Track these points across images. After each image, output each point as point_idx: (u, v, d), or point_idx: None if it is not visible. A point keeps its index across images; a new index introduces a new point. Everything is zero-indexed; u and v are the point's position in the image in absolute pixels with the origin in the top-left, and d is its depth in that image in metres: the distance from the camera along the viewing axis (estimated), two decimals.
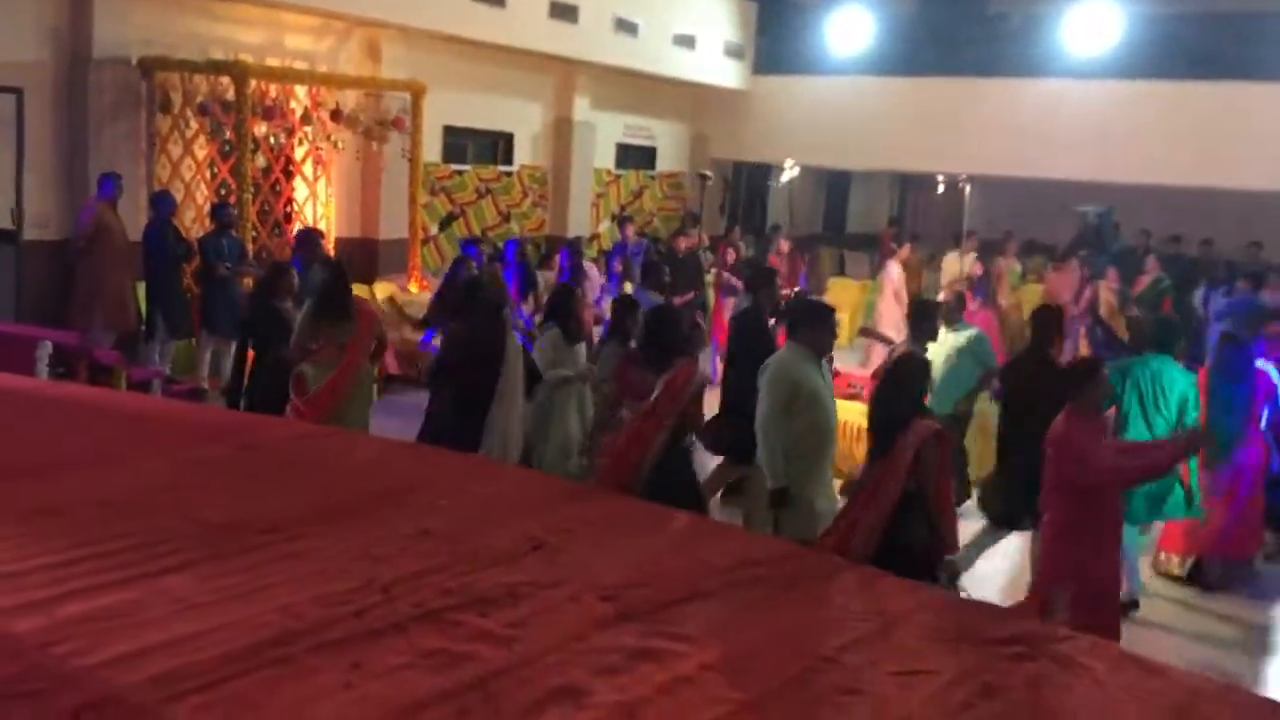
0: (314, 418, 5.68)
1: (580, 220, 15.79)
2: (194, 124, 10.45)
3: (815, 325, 5.04)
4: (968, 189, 14.84)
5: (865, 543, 4.20)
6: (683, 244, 12.74)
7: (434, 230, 13.30)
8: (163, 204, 9.58)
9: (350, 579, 3.19)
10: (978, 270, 11.51)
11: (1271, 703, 3.11)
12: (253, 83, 10.01)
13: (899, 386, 4.71)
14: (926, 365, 4.87)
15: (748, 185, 20.26)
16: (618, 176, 17.15)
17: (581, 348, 6.78)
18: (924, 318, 6.61)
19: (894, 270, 12.55)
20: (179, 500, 3.84)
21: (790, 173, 15.49)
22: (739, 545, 3.66)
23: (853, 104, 16.89)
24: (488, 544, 3.57)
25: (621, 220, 13.29)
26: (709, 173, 13.99)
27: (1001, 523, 6.52)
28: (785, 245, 14.27)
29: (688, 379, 5.10)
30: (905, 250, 13.35)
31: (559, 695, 2.63)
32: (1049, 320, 6.67)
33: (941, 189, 15.97)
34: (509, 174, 14.97)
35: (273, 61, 11.03)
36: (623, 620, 3.02)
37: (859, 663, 2.82)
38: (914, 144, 15.96)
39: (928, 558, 4.39)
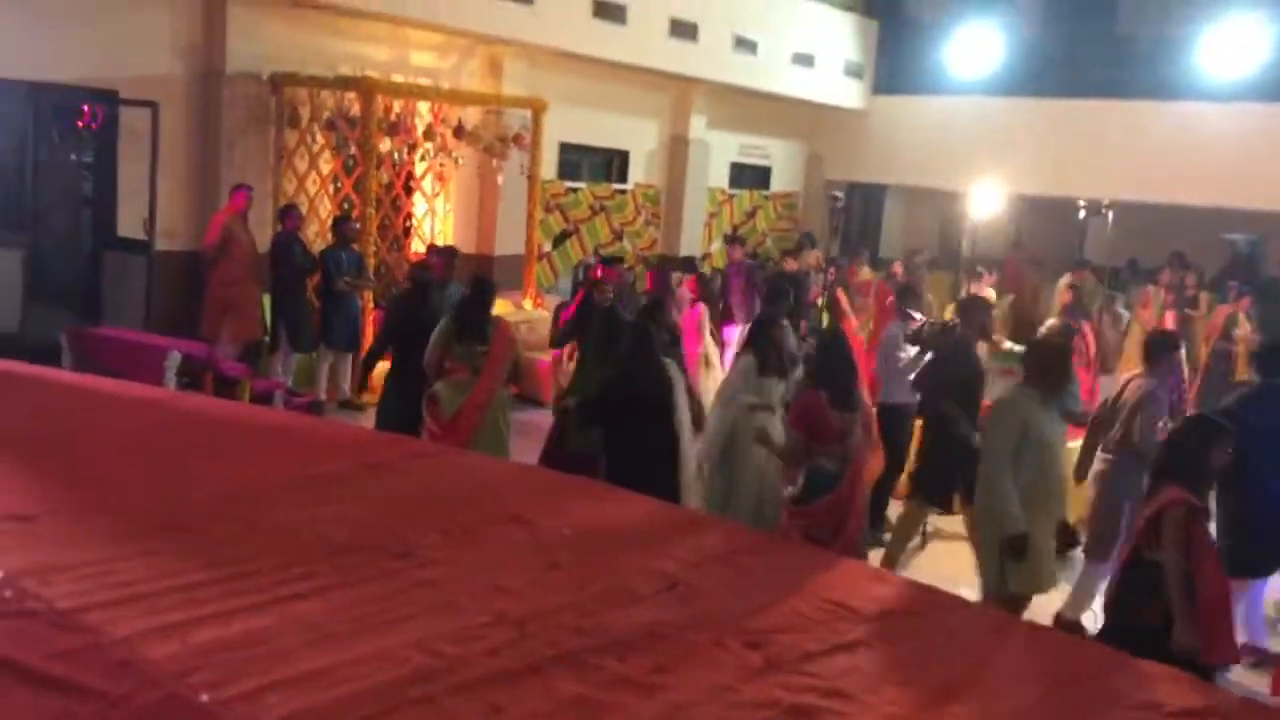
0: (451, 443, 5.58)
1: (693, 239, 15.68)
2: (320, 139, 10.61)
3: (1051, 368, 4.63)
4: (1104, 214, 14.23)
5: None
6: (790, 265, 12.54)
7: (548, 247, 13.31)
8: (290, 217, 9.72)
9: (482, 612, 3.08)
10: (1067, 297, 11.03)
11: None
12: (378, 98, 10.12)
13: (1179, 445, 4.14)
14: (1221, 427, 4.08)
15: (861, 207, 19.91)
16: (731, 196, 16.99)
17: (775, 382, 5.93)
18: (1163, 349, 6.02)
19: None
20: (307, 520, 3.78)
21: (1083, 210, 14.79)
22: (890, 591, 3.45)
23: (972, 125, 16.49)
24: (618, 579, 3.43)
25: (731, 240, 13.11)
26: (840, 194, 13.70)
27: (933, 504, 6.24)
28: (898, 268, 13.84)
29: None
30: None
31: None
32: (972, 306, 6.93)
33: (1054, 213, 15.29)
34: (623, 192, 14.92)
35: (397, 78, 11.16)
36: (771, 670, 2.84)
37: None
38: (1035, 167, 15.50)
39: (1154, 639, 3.81)
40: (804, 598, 3.39)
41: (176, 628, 2.82)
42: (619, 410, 4.97)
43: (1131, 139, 14.92)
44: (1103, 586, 5.54)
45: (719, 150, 16.26)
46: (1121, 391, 6.05)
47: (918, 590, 3.62)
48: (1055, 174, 15.58)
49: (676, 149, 15.53)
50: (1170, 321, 11.36)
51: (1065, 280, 12.66)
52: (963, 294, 11.19)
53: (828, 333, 5.56)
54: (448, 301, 7.27)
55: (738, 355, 6.40)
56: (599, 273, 9.16)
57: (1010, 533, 4.28)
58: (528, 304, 11.48)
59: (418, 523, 3.83)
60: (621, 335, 6.51)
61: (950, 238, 21.66)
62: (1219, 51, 14.51)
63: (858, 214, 19.94)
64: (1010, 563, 4.28)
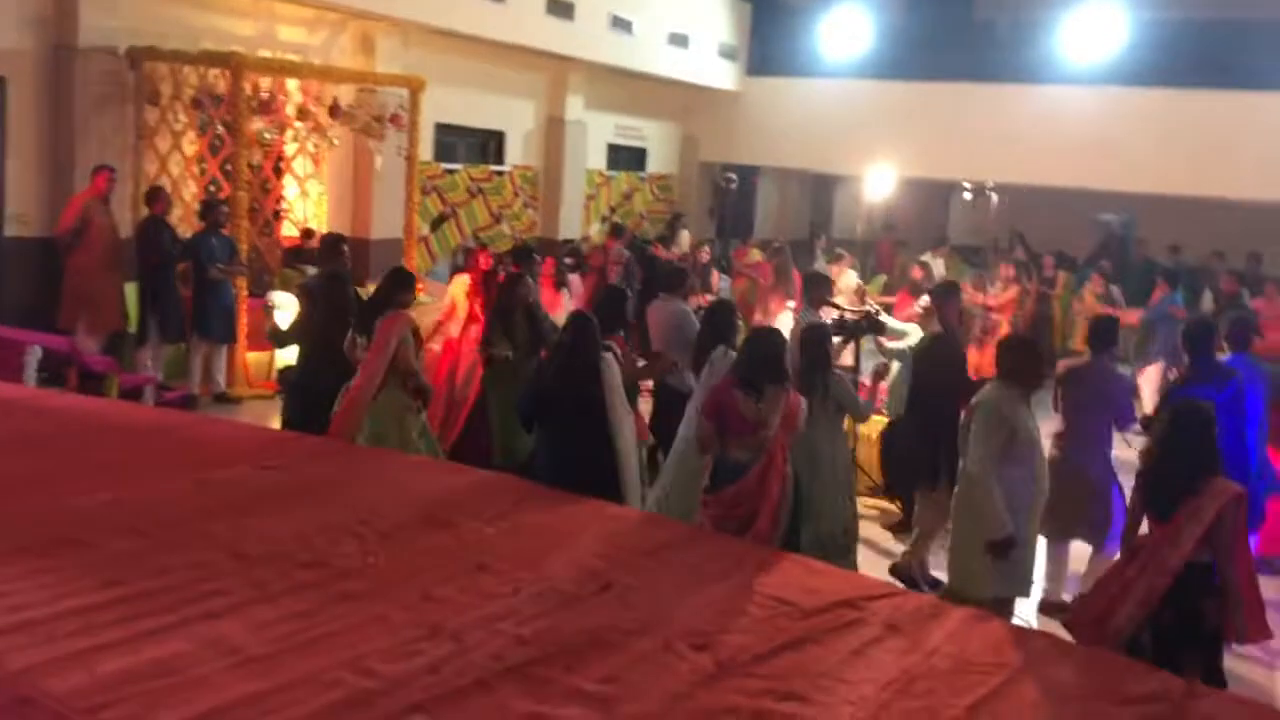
0: (334, 435, 5.28)
1: (571, 221, 15.49)
2: (184, 117, 10.05)
3: (1027, 363, 4.55)
4: (987, 195, 14.55)
5: (1131, 617, 3.65)
6: (660, 252, 12.48)
7: (425, 230, 12.95)
8: (158, 201, 9.16)
9: (415, 625, 2.91)
10: (917, 274, 11.18)
11: None
12: (246, 75, 9.62)
13: (1183, 435, 3.87)
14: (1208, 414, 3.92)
15: (735, 189, 20.02)
16: (609, 178, 16.85)
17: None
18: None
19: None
20: (211, 529, 3.53)
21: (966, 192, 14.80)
22: (829, 584, 3.40)
23: (843, 107, 16.69)
24: (551, 582, 3.29)
25: (613, 231, 12.89)
26: (733, 175, 13.57)
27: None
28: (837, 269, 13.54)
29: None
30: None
31: None
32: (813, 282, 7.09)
33: (914, 194, 15.53)
34: (501, 174, 14.63)
35: (265, 53, 10.65)
36: (723, 674, 2.75)
37: None
38: (905, 149, 15.78)
39: (1210, 638, 3.81)
40: (741, 594, 3.31)
41: (79, 657, 2.58)
42: (552, 409, 4.77)
43: (996, 122, 15.30)
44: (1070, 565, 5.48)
45: (596, 131, 16.09)
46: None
47: (851, 581, 3.59)
48: (923, 156, 15.88)
49: (553, 130, 15.29)
50: (1012, 299, 11.56)
51: (924, 258, 12.91)
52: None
53: (763, 327, 5.24)
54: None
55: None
56: (484, 261, 8.92)
57: (996, 538, 4.22)
58: None
59: (329, 528, 3.62)
60: (545, 331, 6.31)
61: (823, 218, 21.98)
62: (1078, 36, 14.99)
63: (732, 196, 20.05)
64: (994, 565, 4.24)
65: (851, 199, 21.87)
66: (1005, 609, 4.32)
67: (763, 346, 4.50)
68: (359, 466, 4.55)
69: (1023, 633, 3.22)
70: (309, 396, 6.02)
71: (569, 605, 3.13)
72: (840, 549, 5.03)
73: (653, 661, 2.79)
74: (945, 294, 6.43)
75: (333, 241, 7.29)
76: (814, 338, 5.37)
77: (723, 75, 17.44)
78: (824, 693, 2.68)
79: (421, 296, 11.03)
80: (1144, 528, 3.97)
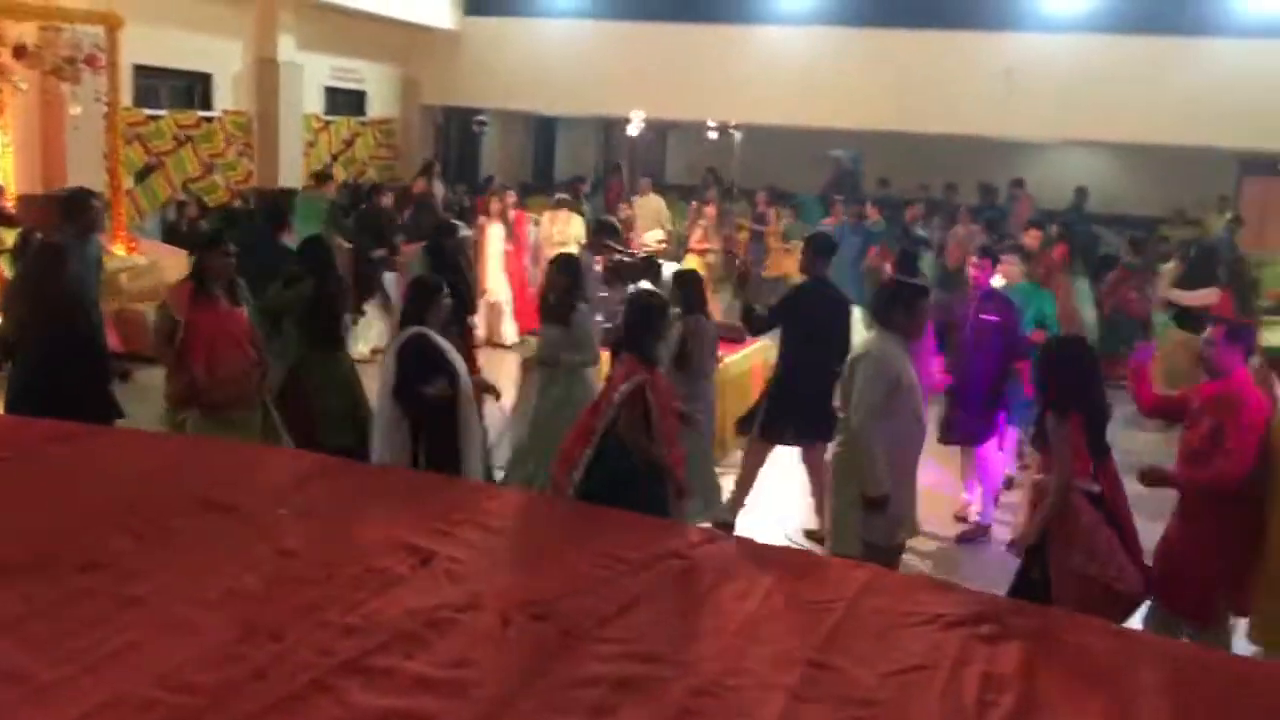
0: None
1: (292, 170, 14.61)
2: None
3: (912, 309, 4.42)
4: (730, 135, 14.73)
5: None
6: (420, 186, 12.04)
7: (130, 184, 11.83)
8: None
9: (225, 626, 2.61)
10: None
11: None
12: None
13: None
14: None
15: (459, 133, 19.55)
16: (328, 123, 15.99)
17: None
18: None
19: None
20: None
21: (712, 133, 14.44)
22: (652, 536, 3.33)
23: (568, 48, 16.59)
24: (367, 561, 3.05)
25: (321, 178, 12.14)
26: (485, 118, 13.03)
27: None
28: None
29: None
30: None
31: None
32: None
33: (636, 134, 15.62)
34: (210, 120, 13.55)
35: None
36: (573, 642, 2.63)
37: (847, 665, 2.59)
38: (624, 89, 15.85)
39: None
40: (571, 554, 3.19)
41: None
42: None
43: (719, 63, 15.60)
44: None
45: (311, 74, 15.21)
46: None
47: (671, 530, 3.54)
48: (647, 97, 16.00)
49: (265, 72, 14.29)
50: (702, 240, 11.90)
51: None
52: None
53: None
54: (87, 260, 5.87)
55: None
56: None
57: (874, 494, 4.16)
58: (119, 248, 10.14)
59: (97, 524, 3.20)
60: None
61: (545, 162, 21.89)
62: None
63: (454, 141, 19.59)
64: (870, 517, 4.20)
65: (580, 142, 21.91)
66: (887, 559, 4.24)
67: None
68: (108, 451, 4.07)
69: (845, 565, 3.28)
70: (35, 374, 5.33)
71: (391, 586, 2.91)
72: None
73: (495, 638, 2.64)
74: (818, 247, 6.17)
75: (79, 199, 6.03)
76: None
77: (440, 14, 16.90)
78: (681, 649, 2.62)
79: (135, 258, 10.13)
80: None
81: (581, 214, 11.55)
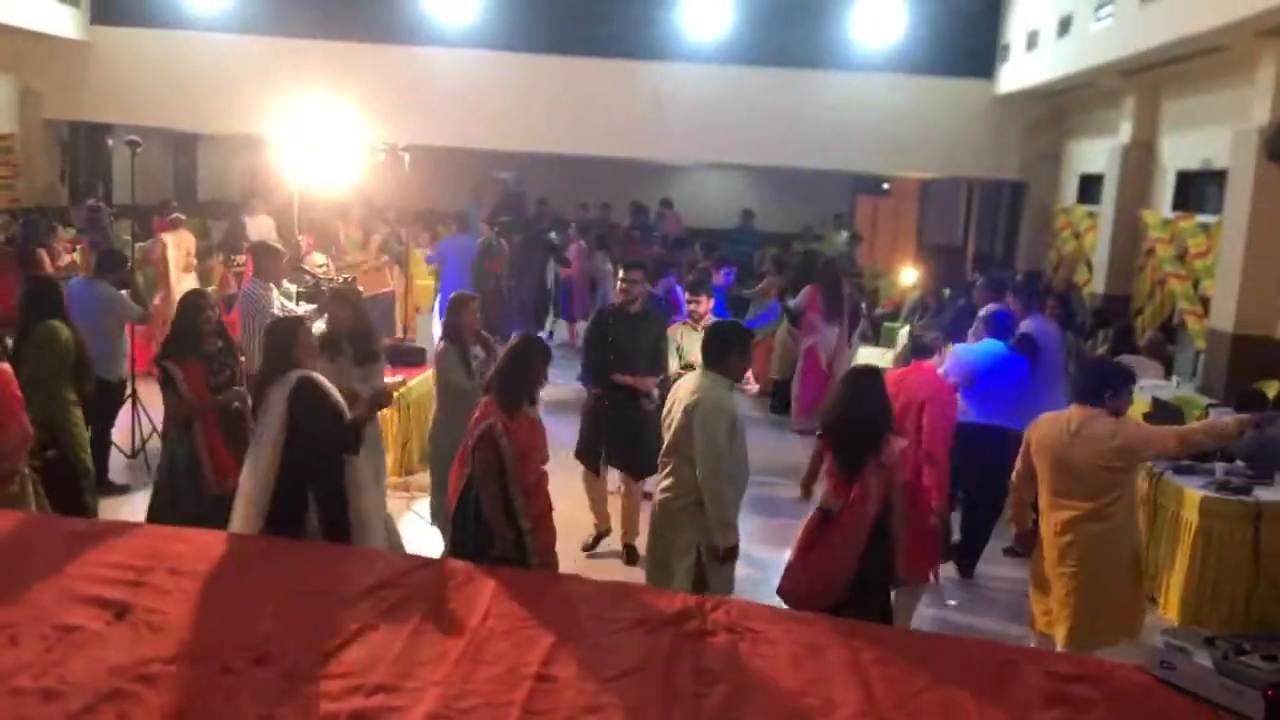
0: None
1: None
2: None
3: (742, 351, 4.21)
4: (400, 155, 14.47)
5: (837, 578, 3.69)
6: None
7: None
8: None
9: None
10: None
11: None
12: None
13: (863, 396, 3.93)
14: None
15: (88, 149, 18.10)
16: None
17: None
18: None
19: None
20: None
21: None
22: (359, 568, 3.32)
23: (207, 62, 15.78)
24: (54, 618, 2.83)
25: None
26: (137, 138, 11.62)
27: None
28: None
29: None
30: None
31: None
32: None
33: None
34: None
35: None
36: (297, 684, 2.59)
37: (570, 676, 2.72)
38: (274, 107, 15.31)
39: (885, 585, 3.95)
40: (277, 593, 3.12)
41: None
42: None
43: (378, 83, 15.31)
44: None
45: None
46: None
47: (378, 561, 3.52)
48: (303, 115, 15.55)
49: None
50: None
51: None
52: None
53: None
54: None
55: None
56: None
57: (727, 544, 4.00)
58: None
59: None
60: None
61: (187, 181, 20.74)
62: (444, 3, 15.57)
63: (85, 158, 18.13)
64: (714, 570, 4.00)
65: (223, 161, 20.87)
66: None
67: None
68: None
69: (552, 579, 3.42)
70: None
71: (88, 643, 2.73)
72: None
73: (218, 688, 2.55)
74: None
75: None
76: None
77: (62, 22, 15.63)
78: (408, 677, 2.65)
79: None
80: None
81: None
